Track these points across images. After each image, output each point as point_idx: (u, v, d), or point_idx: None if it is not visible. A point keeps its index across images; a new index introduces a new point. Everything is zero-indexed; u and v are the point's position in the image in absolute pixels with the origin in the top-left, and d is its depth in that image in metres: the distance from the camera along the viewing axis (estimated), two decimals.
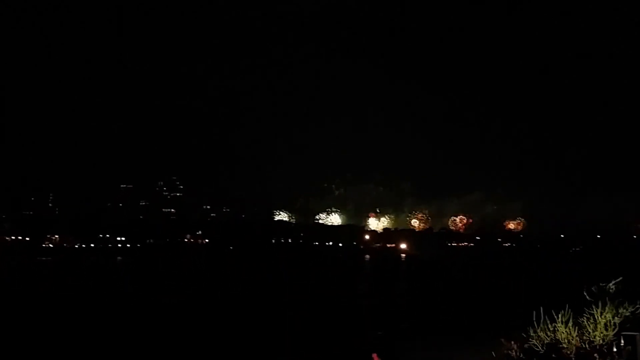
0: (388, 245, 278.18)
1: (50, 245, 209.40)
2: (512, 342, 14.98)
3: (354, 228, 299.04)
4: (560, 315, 15.11)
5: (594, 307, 15.86)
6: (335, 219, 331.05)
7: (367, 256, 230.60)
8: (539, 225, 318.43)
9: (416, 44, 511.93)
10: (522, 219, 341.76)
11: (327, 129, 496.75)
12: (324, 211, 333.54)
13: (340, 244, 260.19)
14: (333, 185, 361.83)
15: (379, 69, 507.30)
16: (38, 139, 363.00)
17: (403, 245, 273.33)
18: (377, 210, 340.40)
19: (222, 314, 59.80)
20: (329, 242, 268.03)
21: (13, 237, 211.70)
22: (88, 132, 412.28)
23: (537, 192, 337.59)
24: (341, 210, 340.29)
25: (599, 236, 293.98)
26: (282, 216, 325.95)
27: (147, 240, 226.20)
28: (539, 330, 15.04)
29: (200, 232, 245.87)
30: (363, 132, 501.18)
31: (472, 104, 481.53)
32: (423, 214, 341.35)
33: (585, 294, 17.23)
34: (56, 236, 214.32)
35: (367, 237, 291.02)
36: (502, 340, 15.11)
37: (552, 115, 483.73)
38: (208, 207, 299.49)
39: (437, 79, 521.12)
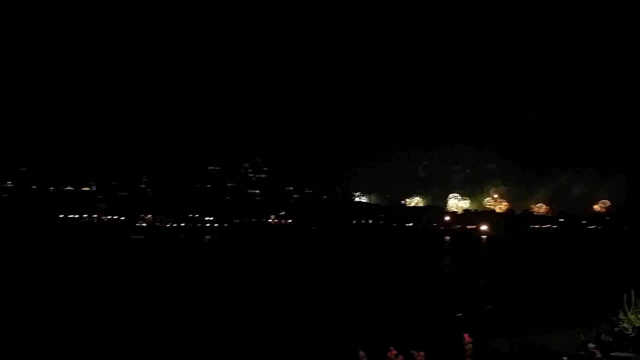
0: (468, 227, 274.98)
1: (144, 225, 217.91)
2: (601, 325, 14.91)
3: (435, 209, 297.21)
4: None
5: None
6: (415, 201, 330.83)
7: (448, 237, 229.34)
8: (627, 208, 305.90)
9: (509, 20, 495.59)
10: (608, 201, 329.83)
11: (414, 110, 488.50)
12: (409, 193, 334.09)
13: (421, 226, 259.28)
14: (420, 167, 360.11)
15: (468, 47, 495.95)
16: (132, 126, 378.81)
17: (483, 227, 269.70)
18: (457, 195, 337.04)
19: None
20: (409, 224, 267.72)
21: (109, 217, 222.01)
22: (178, 118, 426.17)
23: (629, 175, 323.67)
24: (425, 191, 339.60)
25: None
26: (363, 198, 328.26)
27: (234, 220, 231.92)
28: (629, 314, 14.95)
29: (283, 213, 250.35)
30: (452, 112, 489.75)
31: (565, 87, 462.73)
32: (506, 195, 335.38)
33: None
34: (149, 216, 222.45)
35: (447, 218, 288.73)
36: (591, 322, 15.09)
37: None
38: (291, 188, 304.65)
39: (530, 59, 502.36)
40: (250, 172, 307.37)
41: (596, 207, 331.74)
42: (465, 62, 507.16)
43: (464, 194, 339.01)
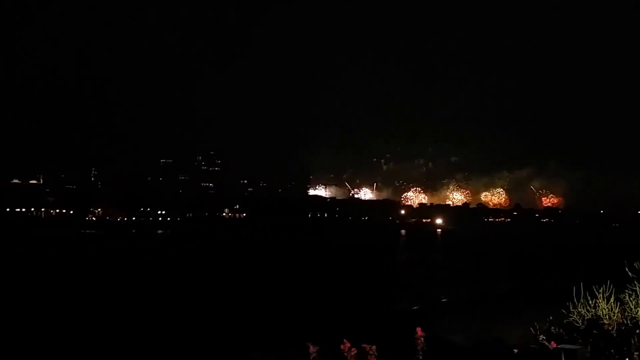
0: (424, 220, 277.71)
1: (94, 219, 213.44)
2: (551, 317, 14.82)
3: (391, 203, 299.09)
4: (601, 291, 14.90)
5: (636, 283, 15.84)
6: (367, 194, 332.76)
7: (403, 231, 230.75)
8: (580, 201, 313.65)
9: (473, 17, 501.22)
10: (553, 195, 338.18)
11: (377, 103, 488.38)
12: (369, 185, 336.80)
13: (376, 219, 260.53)
14: (382, 160, 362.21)
15: (430, 42, 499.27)
16: (79, 114, 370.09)
17: (439, 221, 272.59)
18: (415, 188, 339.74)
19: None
20: (364, 217, 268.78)
21: (57, 211, 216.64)
22: (128, 107, 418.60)
23: (589, 169, 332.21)
24: (388, 185, 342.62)
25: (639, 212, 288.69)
26: (321, 191, 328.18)
27: (187, 214, 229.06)
28: (579, 306, 14.87)
29: (237, 207, 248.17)
30: (417, 106, 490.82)
31: (530, 83, 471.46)
32: (462, 189, 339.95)
33: (627, 270, 16.99)
34: (99, 210, 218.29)
35: (403, 212, 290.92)
36: (535, 325, 14.78)
37: (609, 92, 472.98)
38: (245, 181, 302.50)
39: (494, 51, 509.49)
40: (203, 165, 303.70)
41: (549, 200, 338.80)
42: (428, 57, 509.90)
43: (425, 187, 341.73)
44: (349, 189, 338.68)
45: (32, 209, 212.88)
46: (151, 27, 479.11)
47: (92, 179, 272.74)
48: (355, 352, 10.17)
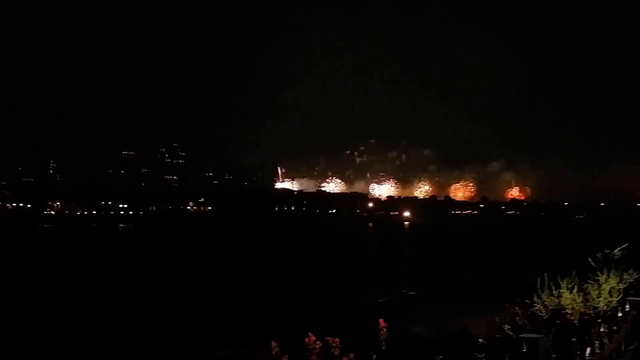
0: (391, 213, 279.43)
1: (52, 213, 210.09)
2: (516, 308, 14.51)
3: (358, 196, 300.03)
4: (565, 282, 14.77)
5: (598, 273, 15.92)
6: (332, 187, 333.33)
7: (371, 224, 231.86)
8: (547, 194, 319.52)
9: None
10: (527, 187, 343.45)
11: (353, 95, 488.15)
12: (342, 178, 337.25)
13: (344, 212, 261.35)
14: (355, 153, 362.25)
15: (404, 35, 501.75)
16: (37, 103, 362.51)
17: (406, 213, 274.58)
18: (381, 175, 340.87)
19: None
20: (332, 210, 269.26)
21: (14, 204, 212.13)
22: (88, 97, 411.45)
23: (558, 163, 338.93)
24: (360, 177, 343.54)
25: (602, 204, 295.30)
26: (289, 184, 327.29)
27: (150, 208, 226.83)
28: (543, 297, 14.64)
29: (202, 200, 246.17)
30: (390, 98, 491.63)
31: (503, 74, 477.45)
32: (431, 181, 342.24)
33: (589, 260, 17.34)
34: (58, 203, 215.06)
35: (370, 205, 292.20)
36: (506, 305, 14.70)
37: (579, 86, 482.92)
38: (210, 174, 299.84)
39: (465, 46, 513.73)
40: (166, 157, 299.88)
41: (514, 193, 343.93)
42: (406, 50, 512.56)
43: (396, 180, 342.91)
44: (318, 181, 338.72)
45: None
46: (118, 16, 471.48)
47: (51, 171, 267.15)
48: (320, 345, 9.40)
